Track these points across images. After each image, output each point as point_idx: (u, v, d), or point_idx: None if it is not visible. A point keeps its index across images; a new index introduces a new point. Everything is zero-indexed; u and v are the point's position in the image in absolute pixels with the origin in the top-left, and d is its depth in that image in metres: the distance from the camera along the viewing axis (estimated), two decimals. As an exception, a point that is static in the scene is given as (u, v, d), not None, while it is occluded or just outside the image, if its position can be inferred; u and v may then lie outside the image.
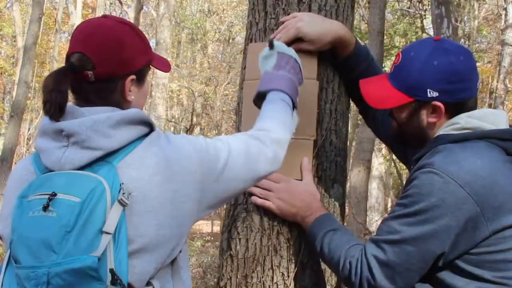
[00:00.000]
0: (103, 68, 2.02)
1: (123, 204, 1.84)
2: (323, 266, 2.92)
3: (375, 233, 2.42)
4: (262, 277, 2.85)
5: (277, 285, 2.83)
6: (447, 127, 2.38)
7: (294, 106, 2.57)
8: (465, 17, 23.18)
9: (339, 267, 2.44)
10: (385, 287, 2.27)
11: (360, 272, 2.33)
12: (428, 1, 16.77)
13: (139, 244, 1.91)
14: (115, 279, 1.78)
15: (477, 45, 23.23)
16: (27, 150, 29.31)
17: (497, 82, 18.86)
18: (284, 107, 2.48)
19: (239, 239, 2.93)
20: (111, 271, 1.78)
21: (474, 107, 2.43)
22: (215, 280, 2.99)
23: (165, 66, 2.36)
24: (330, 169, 2.99)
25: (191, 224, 2.12)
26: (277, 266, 2.85)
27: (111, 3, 33.05)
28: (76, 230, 1.76)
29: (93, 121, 1.93)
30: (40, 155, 2.02)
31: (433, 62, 2.37)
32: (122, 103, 2.12)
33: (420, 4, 19.87)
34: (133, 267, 1.89)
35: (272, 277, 2.84)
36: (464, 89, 2.37)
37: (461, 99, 2.38)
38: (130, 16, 27.84)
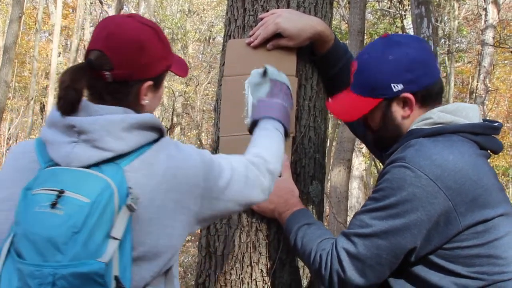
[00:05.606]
0: (121, 70, 1.99)
1: (131, 209, 1.82)
2: (302, 263, 2.92)
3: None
4: (241, 273, 2.85)
5: (256, 281, 2.83)
6: (420, 122, 2.39)
7: (286, 133, 2.60)
8: (445, 17, 23.26)
9: (310, 261, 2.44)
10: (355, 280, 2.27)
11: (330, 265, 2.32)
12: (408, 1, 16.84)
13: (139, 251, 1.89)
14: (119, 286, 1.76)
15: (457, 45, 23.35)
16: (7, 150, 29.13)
17: (477, 82, 18.94)
18: (278, 137, 2.49)
19: (218, 236, 2.93)
20: (116, 278, 1.76)
21: (441, 91, 2.47)
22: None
23: (183, 70, 2.33)
24: (309, 166, 2.99)
25: (186, 236, 2.10)
26: (256, 263, 2.85)
27: (91, 3, 32.89)
28: (84, 232, 1.72)
29: (107, 121, 1.90)
30: (46, 146, 1.98)
31: (388, 57, 2.41)
32: (135, 106, 2.07)
33: (400, 5, 19.96)
34: (133, 275, 1.87)
35: (251, 274, 2.84)
36: (425, 74, 2.40)
37: (426, 85, 2.40)
38: (110, 16, 27.71)
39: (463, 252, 2.18)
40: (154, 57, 2.08)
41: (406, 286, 2.30)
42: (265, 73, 2.71)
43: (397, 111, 2.45)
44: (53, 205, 1.75)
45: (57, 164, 1.91)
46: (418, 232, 2.17)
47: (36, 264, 1.73)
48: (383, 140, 2.56)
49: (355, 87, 2.53)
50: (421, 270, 2.25)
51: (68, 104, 1.89)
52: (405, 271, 2.29)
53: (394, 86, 2.39)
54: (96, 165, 1.88)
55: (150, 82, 2.08)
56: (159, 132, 2.03)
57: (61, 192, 1.77)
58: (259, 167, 2.29)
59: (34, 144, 2.05)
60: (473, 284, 2.18)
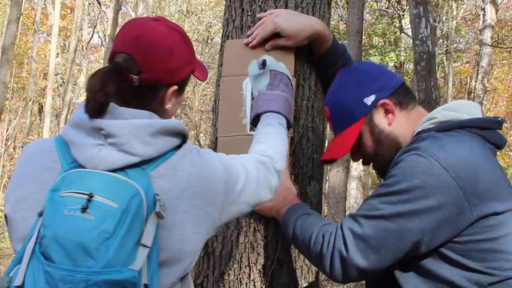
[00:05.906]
0: (149, 74, 1.98)
1: (160, 217, 1.81)
2: (300, 263, 2.93)
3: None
4: (239, 274, 2.85)
5: (254, 282, 2.83)
6: (425, 123, 2.39)
7: (289, 125, 2.60)
8: (443, 17, 23.34)
9: (310, 244, 2.39)
10: (357, 261, 2.23)
11: (333, 243, 2.29)
12: (406, 2, 16.86)
13: (162, 257, 1.87)
14: None
15: (455, 45, 23.39)
16: (6, 150, 29.13)
17: (476, 82, 18.98)
18: (282, 133, 2.48)
19: (216, 236, 2.92)
20: (146, 286, 1.75)
21: (411, 91, 2.58)
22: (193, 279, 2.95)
23: (203, 74, 2.30)
24: (307, 166, 2.99)
25: (205, 241, 2.09)
26: (254, 263, 2.84)
27: (89, 4, 32.90)
28: (116, 239, 1.70)
29: (135, 126, 1.88)
30: (70, 146, 1.94)
31: (348, 84, 2.57)
32: (159, 110, 2.06)
33: (399, 5, 20.00)
34: None
35: (249, 274, 2.84)
36: (389, 78, 2.54)
37: (394, 87, 2.51)
38: (108, 17, 27.77)
39: (475, 246, 2.15)
40: (181, 62, 2.08)
41: (416, 280, 2.26)
42: (264, 64, 2.71)
43: (381, 121, 2.49)
44: (84, 209, 1.73)
45: (81, 166, 1.89)
46: (427, 219, 2.15)
47: (67, 268, 1.71)
48: (385, 159, 2.51)
49: (337, 128, 2.60)
50: (431, 264, 2.22)
51: (97, 106, 1.88)
52: (415, 265, 2.26)
53: (367, 100, 2.48)
54: (122, 169, 1.86)
55: (175, 87, 2.08)
56: (183, 137, 2.02)
57: (91, 196, 1.74)
58: (267, 166, 2.28)
59: (54, 143, 2.01)
60: (485, 279, 2.15)
